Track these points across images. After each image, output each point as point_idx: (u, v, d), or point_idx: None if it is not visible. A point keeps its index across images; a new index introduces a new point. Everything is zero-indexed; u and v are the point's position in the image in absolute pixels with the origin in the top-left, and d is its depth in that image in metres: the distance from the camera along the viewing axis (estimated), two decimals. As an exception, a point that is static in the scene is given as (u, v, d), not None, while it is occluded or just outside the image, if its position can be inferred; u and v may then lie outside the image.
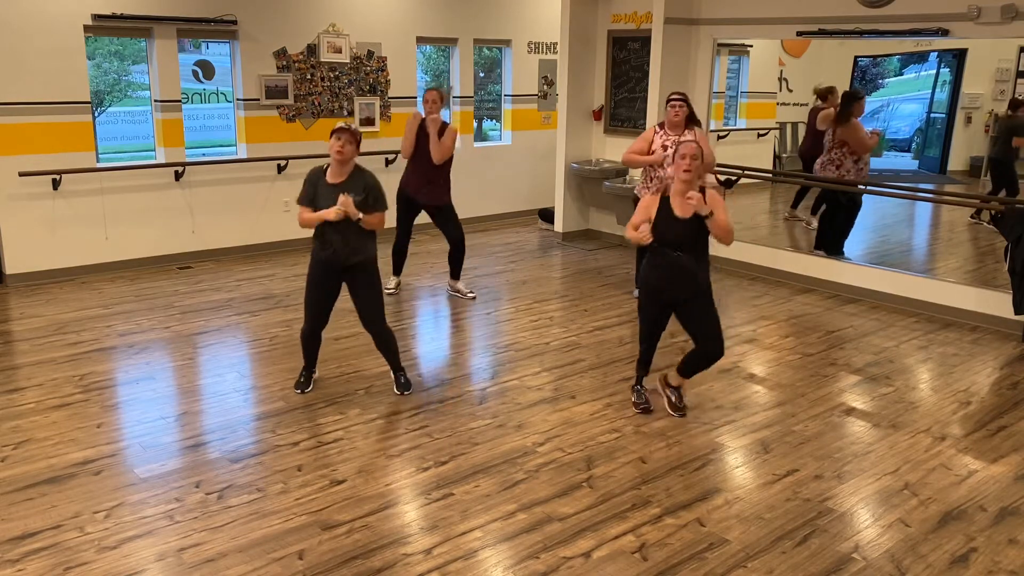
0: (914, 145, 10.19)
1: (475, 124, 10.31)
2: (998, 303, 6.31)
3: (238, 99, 8.11)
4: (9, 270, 7.05)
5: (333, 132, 4.53)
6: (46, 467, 4.03)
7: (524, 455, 4.23)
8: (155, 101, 7.64)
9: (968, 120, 9.25)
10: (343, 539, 3.48)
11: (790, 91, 9.45)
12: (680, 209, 4.34)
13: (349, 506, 3.73)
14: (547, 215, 9.65)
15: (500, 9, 9.62)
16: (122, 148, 11.97)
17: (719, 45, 8.12)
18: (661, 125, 6.61)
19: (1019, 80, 8.70)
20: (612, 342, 5.94)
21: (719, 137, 9.05)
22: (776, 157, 9.59)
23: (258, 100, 8.05)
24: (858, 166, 7.52)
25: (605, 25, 8.87)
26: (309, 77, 8.31)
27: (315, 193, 4.63)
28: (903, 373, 5.47)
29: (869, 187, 7.94)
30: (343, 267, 4.67)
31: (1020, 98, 8.48)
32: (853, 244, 7.78)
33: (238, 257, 8.13)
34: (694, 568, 3.33)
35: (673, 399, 4.76)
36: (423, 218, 6.90)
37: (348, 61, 8.56)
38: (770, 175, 9.26)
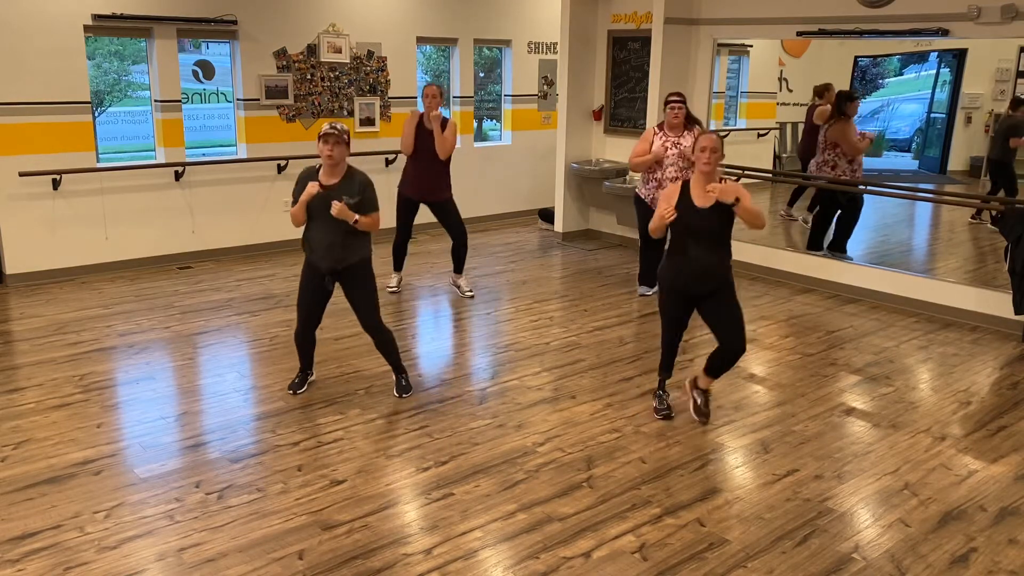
0: (914, 145, 10.19)
1: (475, 124, 10.31)
2: (998, 303, 6.31)
3: (238, 99, 8.11)
4: (9, 270, 7.05)
5: (320, 136, 4.47)
6: (46, 467, 4.03)
7: (524, 455, 4.23)
8: (155, 101, 7.64)
9: (968, 120, 9.25)
10: (343, 539, 3.48)
11: (790, 91, 9.45)
12: (700, 199, 4.33)
13: (349, 506, 3.73)
14: (547, 215, 9.65)
15: (500, 9, 9.62)
16: (122, 148, 11.98)
17: (719, 45, 8.12)
18: (660, 126, 6.63)
19: (1019, 80, 8.70)
20: (612, 342, 5.94)
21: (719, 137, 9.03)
22: (776, 157, 9.59)
23: (258, 100, 8.05)
24: (852, 167, 7.52)
25: (605, 25, 8.87)
26: (309, 77, 8.31)
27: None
28: (903, 373, 5.47)
29: (869, 187, 7.94)
30: (338, 268, 4.65)
31: (1021, 97, 8.48)
32: (853, 244, 7.78)
33: (238, 257, 8.13)
34: (694, 568, 3.33)
35: (699, 401, 4.69)
36: (422, 217, 6.90)
37: (348, 61, 8.56)
38: (770, 175, 9.26)
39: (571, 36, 8.76)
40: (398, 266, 7.03)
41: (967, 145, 9.26)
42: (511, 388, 5.09)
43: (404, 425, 4.56)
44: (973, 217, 8.98)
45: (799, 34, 7.29)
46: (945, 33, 6.43)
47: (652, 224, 4.44)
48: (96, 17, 7.05)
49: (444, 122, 6.48)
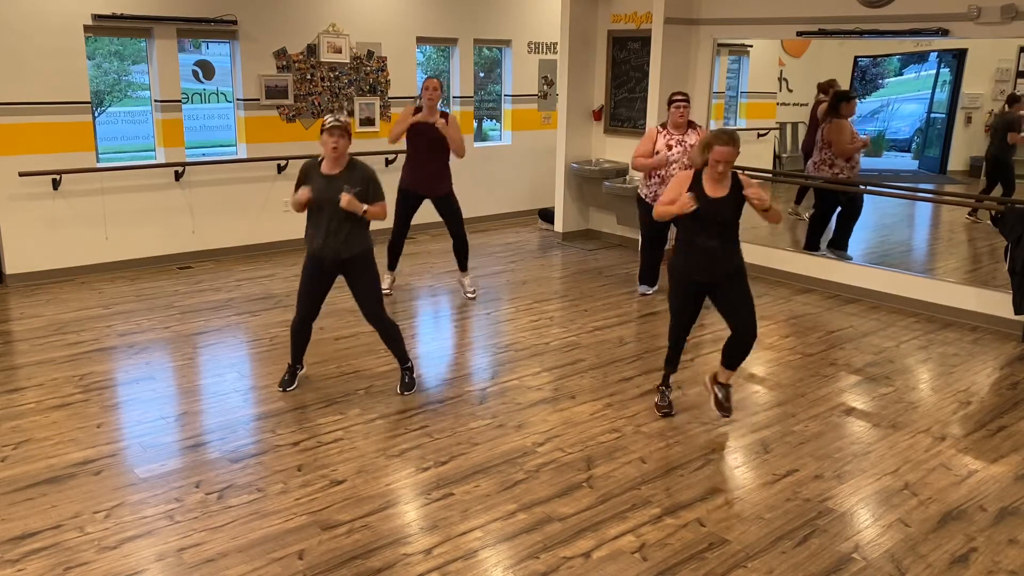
0: (914, 145, 10.19)
1: (475, 124, 10.31)
2: (998, 303, 6.31)
3: (238, 99, 8.11)
4: (9, 270, 7.05)
5: (325, 130, 4.49)
6: (46, 467, 4.03)
7: (524, 455, 4.23)
8: (155, 101, 7.64)
9: (968, 120, 9.24)
10: (343, 539, 3.48)
11: (790, 91, 9.45)
12: (713, 190, 4.33)
13: (349, 506, 3.73)
14: (547, 215, 9.65)
15: (500, 9, 9.62)
16: (122, 148, 11.98)
17: (719, 45, 8.11)
18: (663, 125, 6.64)
19: (1019, 80, 8.70)
20: (612, 342, 5.94)
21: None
22: (776, 157, 9.59)
23: (258, 100, 8.05)
24: (849, 164, 7.52)
25: (605, 25, 8.87)
26: (309, 77, 8.31)
27: (309, 184, 4.60)
28: (903, 373, 5.47)
29: (869, 187, 7.94)
30: (340, 260, 4.66)
31: (1018, 93, 8.48)
32: (854, 244, 7.78)
33: (238, 257, 8.13)
34: (694, 568, 3.33)
35: (720, 396, 4.68)
36: (422, 218, 6.89)
37: (348, 61, 8.56)
38: (770, 175, 9.26)
39: (571, 36, 8.76)
40: (391, 265, 6.95)
41: (967, 145, 9.26)
42: (511, 388, 5.09)
43: (404, 425, 4.56)
44: (969, 215, 8.98)
45: (799, 34, 7.29)
46: (945, 33, 6.43)
47: (658, 210, 4.43)
48: (96, 17, 7.05)
49: (444, 116, 6.41)
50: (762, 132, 9.44)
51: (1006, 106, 8.56)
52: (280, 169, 8.25)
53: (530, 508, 3.73)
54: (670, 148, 6.51)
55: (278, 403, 4.81)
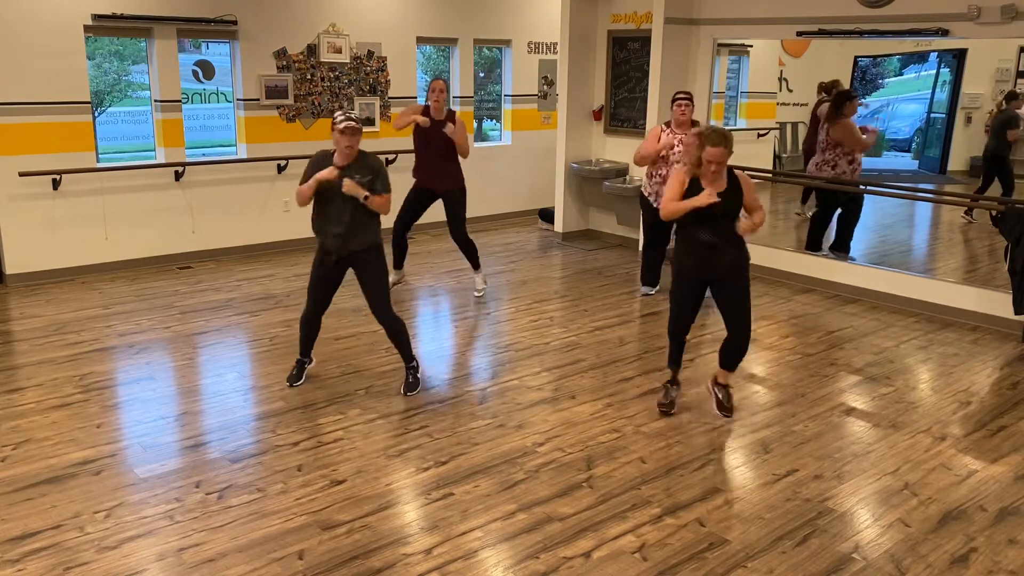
0: (914, 145, 10.20)
1: (475, 124, 10.31)
2: (998, 303, 6.31)
3: (238, 99, 8.11)
4: (9, 270, 7.05)
5: (339, 130, 4.49)
6: (46, 467, 4.03)
7: (524, 455, 4.23)
8: (155, 101, 7.64)
9: (968, 120, 9.25)
10: (343, 539, 3.48)
11: (790, 91, 9.46)
12: (710, 187, 4.35)
13: (349, 506, 3.73)
14: (547, 215, 9.65)
15: (500, 9, 9.62)
16: (122, 148, 11.98)
17: (719, 45, 8.12)
18: (667, 124, 6.65)
19: (1019, 80, 8.71)
20: (612, 342, 5.94)
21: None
22: (776, 157, 9.59)
23: (258, 100, 8.05)
24: (852, 166, 7.53)
25: (605, 25, 8.87)
26: (309, 77, 8.31)
27: (318, 169, 4.63)
28: (903, 373, 5.47)
29: (869, 187, 7.94)
30: (347, 252, 4.67)
31: (1017, 91, 8.48)
32: (854, 244, 7.78)
33: (238, 257, 8.13)
34: (694, 568, 3.33)
35: (720, 397, 4.74)
36: (421, 217, 6.89)
37: (348, 61, 8.56)
38: (770, 175, 9.26)
39: (571, 36, 8.76)
40: (398, 264, 6.98)
41: (967, 145, 9.27)
42: (511, 388, 5.09)
43: (404, 425, 4.56)
44: (965, 214, 8.99)
45: (799, 34, 7.29)
46: (945, 33, 6.43)
47: (667, 208, 4.44)
48: (96, 17, 7.05)
49: (451, 114, 6.49)
50: (762, 132, 9.44)
51: (1004, 103, 8.56)
52: (280, 169, 8.25)
53: (530, 508, 3.73)
54: (672, 148, 6.51)
55: (278, 403, 4.81)
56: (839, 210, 7.64)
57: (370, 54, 8.70)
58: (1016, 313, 6.01)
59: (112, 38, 10.85)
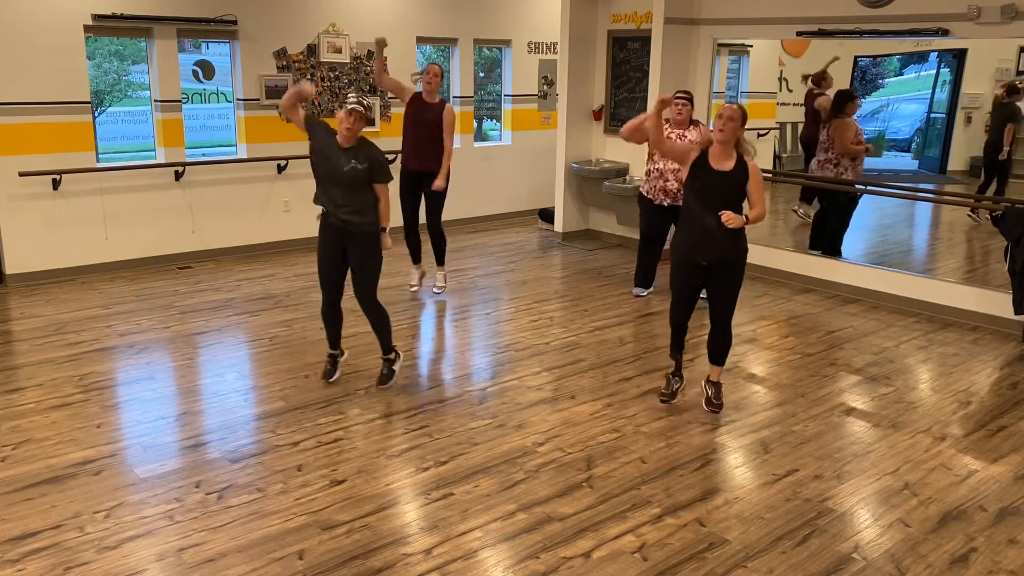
0: (914, 145, 10.19)
1: (475, 124, 10.31)
2: (998, 303, 6.31)
3: (238, 99, 8.11)
4: (9, 270, 7.05)
5: (347, 111, 4.53)
6: (46, 467, 4.03)
7: (524, 455, 4.23)
8: (155, 101, 7.64)
9: (968, 120, 9.25)
10: (343, 539, 3.48)
11: (790, 91, 9.45)
12: (718, 163, 4.38)
13: (349, 506, 3.73)
14: (547, 215, 9.65)
15: (500, 9, 9.62)
16: (122, 148, 11.99)
17: (719, 45, 8.11)
18: (667, 121, 6.65)
19: (1019, 80, 8.70)
20: (612, 342, 5.94)
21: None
22: (776, 157, 9.59)
23: (258, 100, 8.05)
24: (855, 164, 7.53)
25: (605, 25, 8.87)
26: (309, 77, 8.31)
27: (316, 132, 4.71)
28: (903, 373, 5.47)
29: (869, 187, 7.94)
30: (343, 225, 4.68)
31: (1019, 84, 8.46)
32: (854, 244, 7.78)
33: (238, 257, 8.13)
34: (694, 568, 3.33)
35: (709, 394, 4.78)
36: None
37: (348, 61, 8.56)
38: (770, 175, 9.25)
39: (571, 36, 8.76)
40: (416, 258, 7.06)
41: (967, 145, 9.26)
42: (511, 388, 5.09)
43: (404, 425, 4.56)
44: (972, 213, 8.98)
45: (799, 34, 7.29)
46: (945, 33, 6.43)
47: (629, 125, 4.55)
48: (96, 17, 7.05)
49: (442, 103, 6.61)
50: (762, 132, 9.44)
51: (1005, 95, 8.52)
52: (280, 169, 8.25)
53: (530, 508, 3.73)
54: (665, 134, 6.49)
55: (278, 403, 4.81)
56: (840, 210, 7.64)
57: (370, 54, 8.70)
58: (1016, 313, 6.01)
59: (112, 38, 10.86)
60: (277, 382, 5.10)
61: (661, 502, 3.81)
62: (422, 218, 6.85)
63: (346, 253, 4.79)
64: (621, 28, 8.74)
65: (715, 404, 4.74)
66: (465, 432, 4.48)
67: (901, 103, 10.23)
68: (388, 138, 8.78)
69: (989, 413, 4.86)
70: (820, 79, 8.33)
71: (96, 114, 9.53)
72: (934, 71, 9.71)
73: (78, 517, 3.61)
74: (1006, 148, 8.34)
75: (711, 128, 4.97)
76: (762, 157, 9.36)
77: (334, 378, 5.05)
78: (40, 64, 6.87)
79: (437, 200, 6.77)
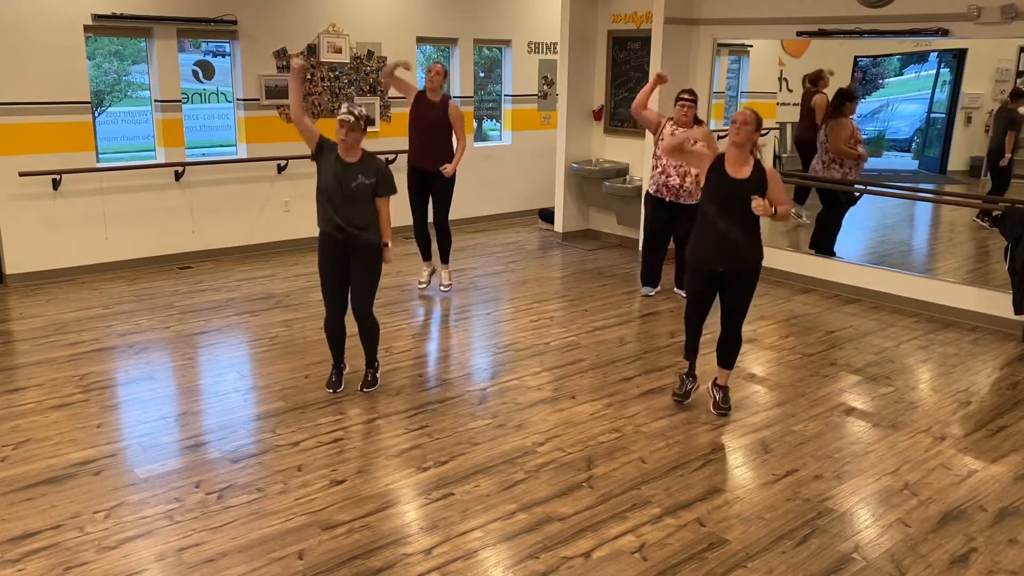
0: (914, 145, 10.19)
1: (475, 124, 10.31)
2: (998, 303, 6.31)
3: (238, 99, 8.11)
4: (9, 270, 7.05)
5: (339, 121, 4.53)
6: (46, 467, 4.03)
7: (524, 455, 4.23)
8: (155, 101, 7.64)
9: (968, 120, 9.25)
10: (343, 539, 3.48)
11: (790, 91, 9.45)
12: (734, 170, 4.36)
13: (349, 506, 3.73)
14: (547, 215, 9.65)
15: (500, 9, 9.62)
16: (122, 148, 11.99)
17: (719, 45, 8.12)
18: (671, 119, 6.66)
19: (1019, 80, 8.70)
20: (612, 342, 5.94)
21: (719, 137, 9.05)
22: (776, 157, 9.59)
23: (258, 100, 8.05)
24: (857, 165, 7.53)
25: (605, 25, 8.87)
26: (309, 77, 8.31)
27: (324, 156, 4.67)
28: (903, 373, 5.47)
29: (869, 187, 7.94)
30: (343, 233, 4.66)
31: (1022, 88, 8.46)
32: (854, 244, 7.78)
33: (238, 257, 8.13)
34: (694, 568, 3.33)
35: (717, 398, 4.77)
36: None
37: (348, 61, 8.56)
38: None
39: (571, 36, 8.76)
40: (426, 255, 7.09)
41: (967, 145, 9.26)
42: (511, 388, 5.09)
43: (404, 425, 4.56)
44: (977, 218, 8.97)
45: (799, 34, 7.29)
46: (945, 33, 6.43)
47: (668, 143, 4.53)
48: (96, 17, 7.04)
49: (445, 99, 6.66)
50: (762, 132, 9.44)
51: (1009, 100, 8.52)
52: (280, 169, 8.25)
53: (530, 508, 3.73)
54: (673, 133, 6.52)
55: (278, 403, 4.81)
56: (836, 210, 7.64)
57: (370, 54, 8.70)
58: (1016, 313, 6.01)
59: (112, 38, 10.85)
60: (277, 382, 5.10)
61: (661, 502, 3.81)
62: (431, 216, 6.89)
63: (349, 266, 4.78)
64: (621, 28, 8.74)
65: (723, 408, 4.74)
66: (465, 432, 4.48)
67: (901, 103, 10.23)
68: (389, 138, 8.81)
69: (989, 413, 4.86)
70: (817, 78, 8.34)
71: (96, 114, 9.53)
72: (934, 71, 9.71)
73: (78, 517, 3.61)
74: (1007, 155, 8.34)
75: (711, 129, 5.00)
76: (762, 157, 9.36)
77: (340, 389, 5.00)
78: (40, 64, 6.87)
79: (445, 197, 6.80)
